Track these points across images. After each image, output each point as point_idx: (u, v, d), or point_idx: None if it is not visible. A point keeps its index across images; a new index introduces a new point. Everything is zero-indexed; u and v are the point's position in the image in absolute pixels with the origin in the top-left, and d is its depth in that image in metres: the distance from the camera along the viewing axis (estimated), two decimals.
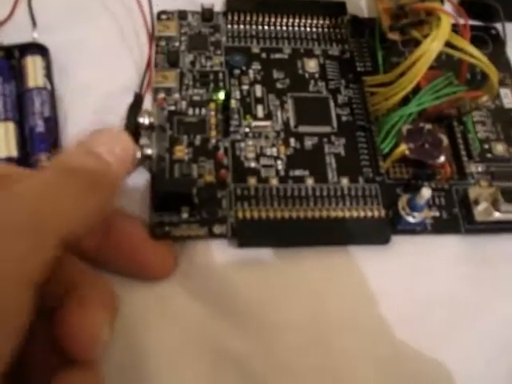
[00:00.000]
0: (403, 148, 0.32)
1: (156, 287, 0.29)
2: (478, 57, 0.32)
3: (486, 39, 0.40)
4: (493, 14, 0.40)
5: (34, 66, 0.32)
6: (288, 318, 0.29)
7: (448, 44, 0.32)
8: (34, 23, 0.34)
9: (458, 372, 0.29)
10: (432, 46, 0.31)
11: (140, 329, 0.28)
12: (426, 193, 0.30)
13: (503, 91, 0.38)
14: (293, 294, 0.30)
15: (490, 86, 0.33)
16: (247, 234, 0.30)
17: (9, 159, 0.30)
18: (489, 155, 0.35)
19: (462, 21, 0.32)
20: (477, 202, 0.32)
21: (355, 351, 0.29)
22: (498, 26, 0.41)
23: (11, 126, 0.31)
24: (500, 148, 0.35)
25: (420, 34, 0.33)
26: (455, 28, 0.32)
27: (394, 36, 0.33)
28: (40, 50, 0.33)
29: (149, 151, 0.31)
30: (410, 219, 0.31)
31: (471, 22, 0.34)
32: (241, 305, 0.29)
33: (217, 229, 0.30)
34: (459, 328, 0.30)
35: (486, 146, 0.35)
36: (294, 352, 0.28)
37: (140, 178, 0.31)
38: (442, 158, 0.32)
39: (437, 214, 0.33)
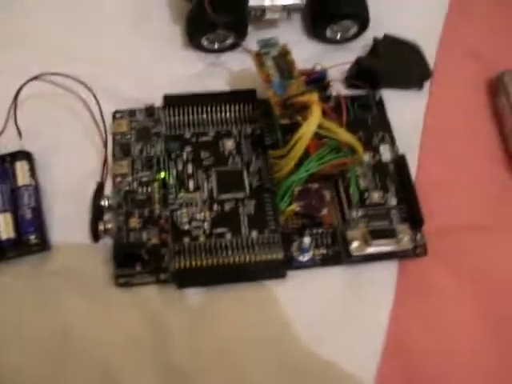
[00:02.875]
0: (294, 206, 0.46)
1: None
2: (345, 136, 0.46)
3: (371, 104, 0.53)
4: (378, 82, 0.54)
5: (21, 169, 0.47)
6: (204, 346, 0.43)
7: (323, 126, 0.46)
8: (20, 134, 0.49)
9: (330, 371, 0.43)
10: (307, 130, 0.45)
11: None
12: (306, 240, 0.44)
13: (382, 147, 0.52)
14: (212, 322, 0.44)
15: (358, 155, 0.47)
16: (183, 279, 0.45)
17: (8, 240, 0.45)
18: (367, 202, 0.49)
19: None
20: (352, 241, 0.46)
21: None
22: (382, 91, 0.54)
23: (8, 216, 0.45)
24: (376, 195, 0.49)
25: (303, 118, 0.47)
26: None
27: (284, 121, 0.47)
28: (25, 155, 0.48)
29: (109, 225, 0.45)
30: (301, 258, 0.46)
31: (360, 92, 0.50)
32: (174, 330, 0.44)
33: (162, 276, 0.45)
34: (338, 337, 0.44)
35: (366, 195, 0.49)
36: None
37: (106, 244, 0.46)
38: (325, 211, 0.47)
39: (324, 251, 0.47)
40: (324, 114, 0.46)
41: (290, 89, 0.47)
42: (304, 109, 0.47)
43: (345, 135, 0.46)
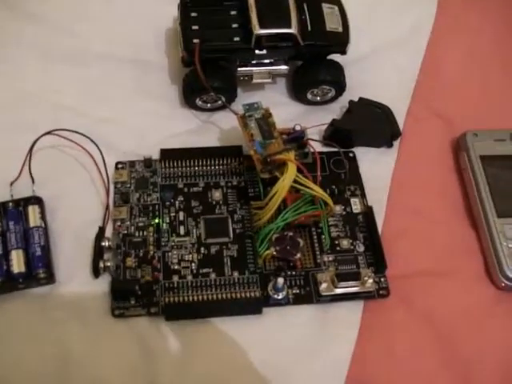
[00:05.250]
0: (271, 251, 0.55)
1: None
2: (317, 191, 0.55)
3: (345, 161, 0.62)
4: (351, 141, 0.63)
5: (33, 212, 0.56)
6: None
7: (298, 182, 0.54)
8: (33, 180, 0.58)
9: None
10: (283, 185, 0.54)
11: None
12: (280, 281, 0.53)
13: (353, 200, 0.61)
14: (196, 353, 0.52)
15: (329, 208, 0.56)
16: (171, 312, 0.53)
17: (19, 273, 0.53)
18: (337, 248, 0.57)
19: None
20: (322, 282, 0.55)
21: None
22: (355, 149, 0.63)
23: (20, 252, 0.54)
24: (345, 242, 0.58)
25: (280, 174, 0.56)
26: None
27: (264, 175, 0.56)
28: (37, 200, 0.56)
29: (109, 263, 0.54)
30: (276, 297, 0.54)
31: (336, 149, 0.58)
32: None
33: (153, 309, 0.53)
34: (307, 368, 0.52)
35: (336, 242, 0.58)
36: None
37: (105, 280, 0.54)
38: (299, 255, 0.55)
39: (297, 291, 0.55)
40: (300, 170, 0.55)
41: (270, 147, 0.56)
42: (282, 165, 0.55)
43: (317, 190, 0.55)
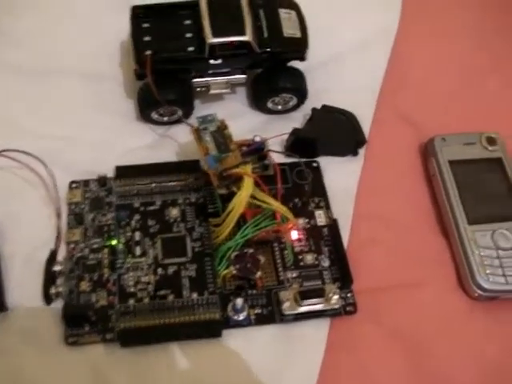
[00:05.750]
0: (230, 270, 0.53)
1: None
2: (276, 206, 0.53)
3: (308, 172, 0.60)
4: (314, 150, 0.61)
5: None
6: None
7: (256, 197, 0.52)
8: None
9: None
10: (239, 200, 0.52)
11: None
12: (239, 301, 0.51)
13: (317, 212, 0.58)
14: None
15: (291, 222, 0.54)
16: (127, 339, 0.51)
17: None
18: (301, 263, 0.55)
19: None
20: (285, 301, 0.53)
21: None
22: (319, 159, 0.61)
23: None
24: (309, 257, 0.56)
25: (238, 189, 0.54)
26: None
27: (221, 191, 0.54)
28: None
29: (60, 289, 0.52)
30: (236, 318, 0.52)
31: (299, 159, 0.57)
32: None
33: (108, 336, 0.51)
34: None
35: (300, 257, 0.56)
36: None
37: (58, 306, 0.52)
38: (259, 273, 0.53)
39: (259, 311, 0.53)
40: (257, 184, 0.53)
41: (227, 161, 0.54)
42: (239, 180, 0.53)
43: (275, 204, 0.53)
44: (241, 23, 0.58)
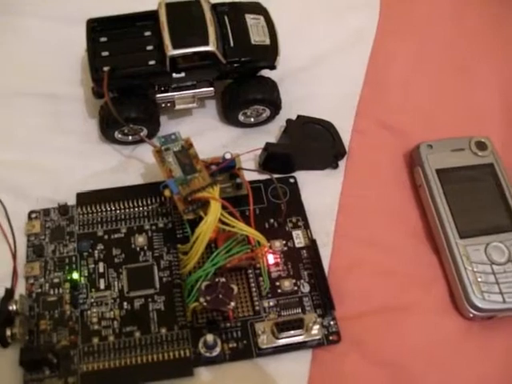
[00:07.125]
0: (200, 301, 0.49)
1: None
2: (246, 230, 0.49)
3: (284, 189, 0.56)
4: (290, 165, 0.58)
5: None
6: None
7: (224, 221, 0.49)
8: None
9: None
10: (206, 226, 0.48)
11: None
12: (209, 338, 0.47)
13: (295, 233, 0.55)
14: None
15: (265, 247, 0.50)
16: (91, 383, 0.47)
17: None
18: (278, 291, 0.52)
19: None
20: (261, 334, 0.49)
21: None
22: (297, 174, 0.58)
23: None
24: (287, 283, 0.52)
25: (205, 213, 0.50)
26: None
27: (188, 216, 0.51)
28: None
29: (16, 330, 0.48)
30: (208, 354, 0.48)
31: (272, 177, 0.53)
32: None
33: (70, 380, 0.48)
34: None
35: (277, 283, 0.52)
36: None
37: (16, 348, 0.48)
38: (233, 304, 0.49)
39: (234, 345, 0.49)
40: (224, 207, 0.49)
41: (194, 183, 0.50)
42: (207, 203, 0.50)
43: (245, 229, 0.49)
44: (203, 32, 0.55)
